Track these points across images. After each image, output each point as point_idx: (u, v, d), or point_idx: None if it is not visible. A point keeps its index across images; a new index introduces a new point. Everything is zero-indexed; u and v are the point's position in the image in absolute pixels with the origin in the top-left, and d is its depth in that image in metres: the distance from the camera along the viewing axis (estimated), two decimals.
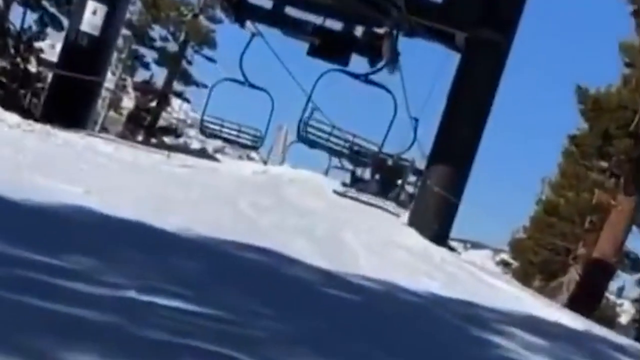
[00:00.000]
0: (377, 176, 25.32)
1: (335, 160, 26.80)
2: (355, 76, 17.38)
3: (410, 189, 24.75)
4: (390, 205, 19.12)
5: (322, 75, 18.04)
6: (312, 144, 23.18)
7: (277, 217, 12.14)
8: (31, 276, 5.02)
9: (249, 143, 26.64)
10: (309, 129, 22.98)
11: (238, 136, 26.44)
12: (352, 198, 16.96)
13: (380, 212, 17.41)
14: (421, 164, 21.67)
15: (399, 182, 24.66)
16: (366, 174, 26.17)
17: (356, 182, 24.87)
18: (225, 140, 27.64)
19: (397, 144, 24.19)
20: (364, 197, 18.99)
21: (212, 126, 26.15)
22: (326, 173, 25.31)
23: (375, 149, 22.44)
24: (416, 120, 22.14)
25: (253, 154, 35.67)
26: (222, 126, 26.10)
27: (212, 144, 33.24)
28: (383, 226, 14.96)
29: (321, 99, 22.37)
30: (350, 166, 26.44)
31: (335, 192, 17.20)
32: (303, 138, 22.89)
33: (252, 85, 22.67)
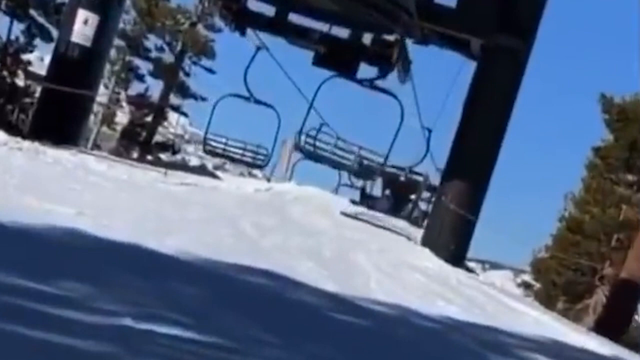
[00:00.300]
0: (387, 191, 25.44)
1: (345, 178, 26.95)
2: (359, 82, 17.41)
3: (423, 205, 24.97)
4: (402, 224, 19.20)
5: (325, 81, 18.21)
6: (316, 158, 23.13)
7: (282, 237, 12.17)
8: (21, 303, 5.03)
9: (254, 161, 26.68)
10: (308, 140, 23.25)
11: (243, 154, 26.70)
12: (360, 219, 16.91)
13: (394, 231, 17.40)
14: (435, 179, 21.97)
15: (412, 198, 24.66)
16: (377, 190, 26.23)
17: (366, 199, 25.18)
18: (230, 159, 27.93)
19: (410, 156, 24.32)
20: (375, 216, 19.03)
21: (216, 144, 26.39)
22: (336, 191, 25.45)
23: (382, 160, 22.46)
24: (429, 131, 22.25)
25: (255, 171, 35.76)
26: (227, 144, 26.31)
27: (211, 161, 33.36)
28: (395, 246, 14.98)
29: (326, 109, 22.52)
30: (357, 181, 26.47)
31: (342, 213, 17.20)
32: (304, 150, 22.75)
33: (258, 101, 22.90)
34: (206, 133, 26.24)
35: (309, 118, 20.97)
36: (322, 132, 23.06)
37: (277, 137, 24.72)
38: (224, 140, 26.42)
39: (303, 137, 22.38)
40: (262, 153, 26.20)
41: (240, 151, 26.58)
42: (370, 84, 17.49)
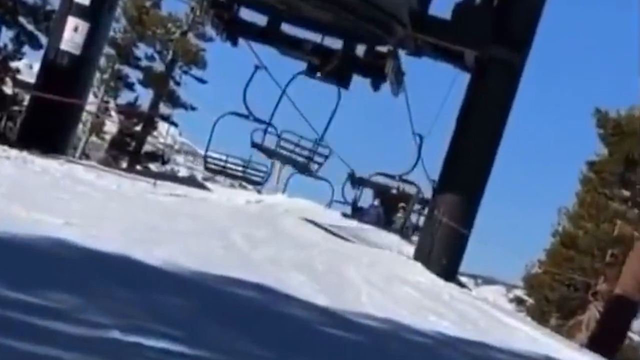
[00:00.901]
0: (376, 202, 25.62)
1: (337, 194, 27.01)
2: (312, 75, 17.63)
3: (414, 218, 25.01)
4: (393, 236, 19.39)
5: (292, 79, 19.01)
6: (266, 152, 23.92)
7: (273, 250, 12.19)
8: (7, 315, 5.01)
9: (254, 179, 26.90)
10: (256, 135, 23.81)
11: (244, 172, 26.79)
12: (345, 239, 16.93)
13: (383, 244, 17.49)
14: (427, 191, 22.11)
15: (402, 208, 24.88)
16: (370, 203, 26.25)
17: (357, 212, 25.26)
18: (231, 176, 28.19)
19: (401, 164, 24.40)
20: (364, 229, 19.10)
21: (216, 162, 26.56)
22: (329, 205, 25.63)
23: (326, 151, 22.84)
24: (421, 137, 22.42)
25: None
26: (227, 162, 26.48)
27: (201, 171, 33.38)
28: (387, 260, 14.98)
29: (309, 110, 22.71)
30: (353, 190, 26.54)
31: (328, 230, 17.22)
32: (256, 145, 23.70)
33: (257, 120, 23.25)
34: (206, 151, 26.51)
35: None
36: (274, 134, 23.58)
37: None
38: (224, 157, 26.55)
39: (254, 134, 23.13)
40: (262, 170, 26.42)
41: (241, 169, 26.75)
42: (314, 74, 17.45)
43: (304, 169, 24.21)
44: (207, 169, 27.47)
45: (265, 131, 23.00)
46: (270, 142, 23.27)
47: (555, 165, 75.02)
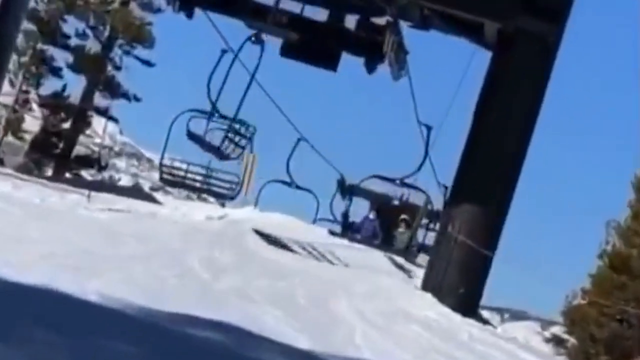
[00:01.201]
0: (371, 215, 25.49)
1: (324, 210, 27.14)
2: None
3: (422, 234, 24.94)
4: (394, 258, 19.20)
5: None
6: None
7: (240, 278, 12.32)
8: None
9: (223, 192, 26.87)
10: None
11: (209, 183, 26.90)
12: (333, 263, 16.88)
13: (381, 269, 17.47)
14: (437, 199, 21.51)
15: (405, 225, 24.75)
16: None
17: (348, 228, 25.19)
18: (193, 189, 28.58)
19: (405, 168, 24.52)
20: (358, 249, 19.15)
21: (174, 172, 26.70)
22: (314, 221, 25.71)
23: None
24: (428, 129, 22.38)
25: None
26: (188, 171, 26.56)
27: (149, 179, 33.38)
28: (387, 289, 14.87)
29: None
30: (343, 201, 26.54)
31: (312, 252, 17.24)
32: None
33: (223, 117, 23.31)
34: (162, 158, 26.84)
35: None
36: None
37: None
38: (184, 166, 26.67)
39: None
40: (232, 181, 26.36)
41: (205, 179, 26.83)
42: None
43: (222, 155, 24.38)
44: (162, 180, 27.75)
45: (209, 119, 23.14)
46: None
47: (602, 166, 74.94)
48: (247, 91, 21.37)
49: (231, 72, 21.38)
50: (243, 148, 23.95)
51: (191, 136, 23.61)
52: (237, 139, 23.44)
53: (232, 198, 26.81)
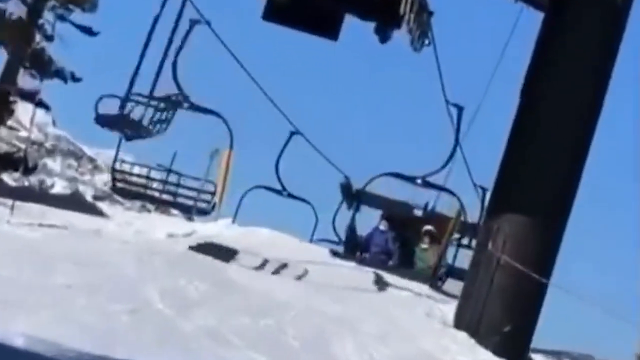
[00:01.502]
0: (382, 226, 23.46)
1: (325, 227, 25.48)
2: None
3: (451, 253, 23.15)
4: (415, 285, 18.01)
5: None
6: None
7: (214, 315, 11.84)
8: None
9: (194, 203, 24.97)
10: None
11: (175, 193, 25.14)
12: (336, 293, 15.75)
13: (399, 300, 16.48)
14: (472, 207, 21.21)
15: (430, 240, 22.83)
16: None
17: (354, 246, 23.56)
18: (155, 200, 27.16)
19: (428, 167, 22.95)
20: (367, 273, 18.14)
21: (130, 179, 25.25)
22: (311, 239, 24.65)
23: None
24: (459, 109, 21.31)
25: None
26: (149, 178, 25.12)
27: (91, 185, 32.48)
28: (407, 328, 14.12)
29: None
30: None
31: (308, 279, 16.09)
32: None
33: (197, 108, 22.68)
34: (115, 161, 25.17)
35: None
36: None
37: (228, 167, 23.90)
38: (144, 171, 25.38)
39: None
40: (207, 191, 24.44)
41: (171, 188, 25.21)
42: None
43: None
44: (115, 189, 26.26)
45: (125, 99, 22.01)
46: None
47: None
48: (166, 57, 20.92)
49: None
50: (168, 122, 22.74)
51: (101, 120, 22.42)
52: (159, 114, 22.48)
53: (206, 213, 25.24)
